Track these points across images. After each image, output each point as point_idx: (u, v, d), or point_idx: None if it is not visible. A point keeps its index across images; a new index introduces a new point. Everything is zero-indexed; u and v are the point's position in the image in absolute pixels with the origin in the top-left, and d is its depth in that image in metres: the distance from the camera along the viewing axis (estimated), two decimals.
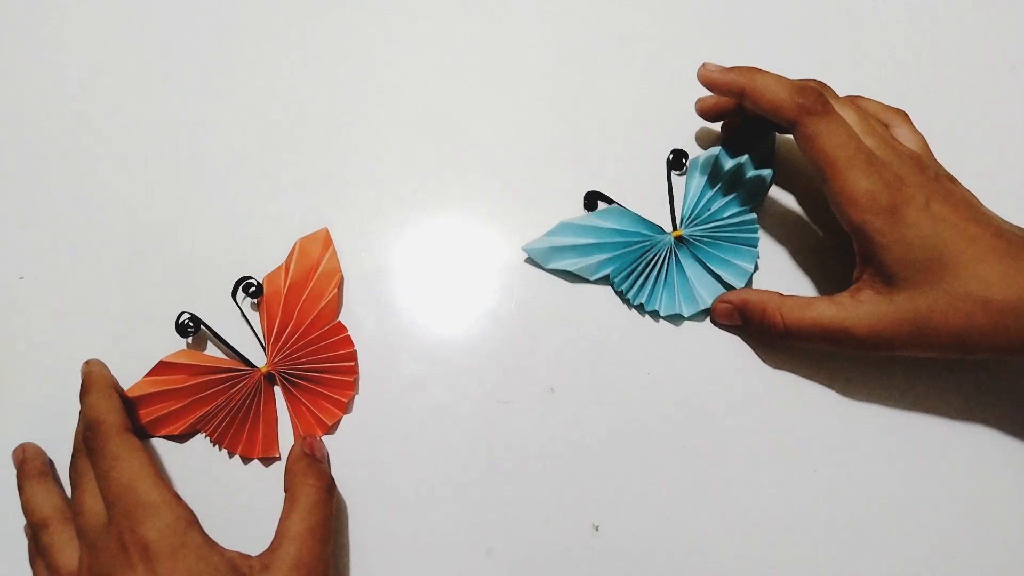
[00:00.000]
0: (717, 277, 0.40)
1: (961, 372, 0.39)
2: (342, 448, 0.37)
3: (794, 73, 0.38)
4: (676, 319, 0.40)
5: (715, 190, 0.41)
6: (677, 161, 0.42)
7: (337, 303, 0.39)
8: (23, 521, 0.35)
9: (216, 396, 0.37)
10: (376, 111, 0.44)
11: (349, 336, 0.38)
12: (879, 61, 0.46)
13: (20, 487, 0.36)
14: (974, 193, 0.36)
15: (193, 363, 0.37)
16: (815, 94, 0.35)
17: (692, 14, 0.47)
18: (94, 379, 0.36)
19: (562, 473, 0.37)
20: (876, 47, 0.46)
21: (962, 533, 0.37)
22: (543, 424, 0.38)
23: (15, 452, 0.37)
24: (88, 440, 0.33)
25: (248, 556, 0.32)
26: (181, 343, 0.38)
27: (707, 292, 0.40)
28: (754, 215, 0.40)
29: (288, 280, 0.39)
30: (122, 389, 0.37)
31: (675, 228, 0.40)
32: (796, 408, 0.38)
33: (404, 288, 0.40)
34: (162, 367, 0.37)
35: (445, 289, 0.40)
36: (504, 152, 0.43)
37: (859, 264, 0.36)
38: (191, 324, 0.38)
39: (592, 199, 0.41)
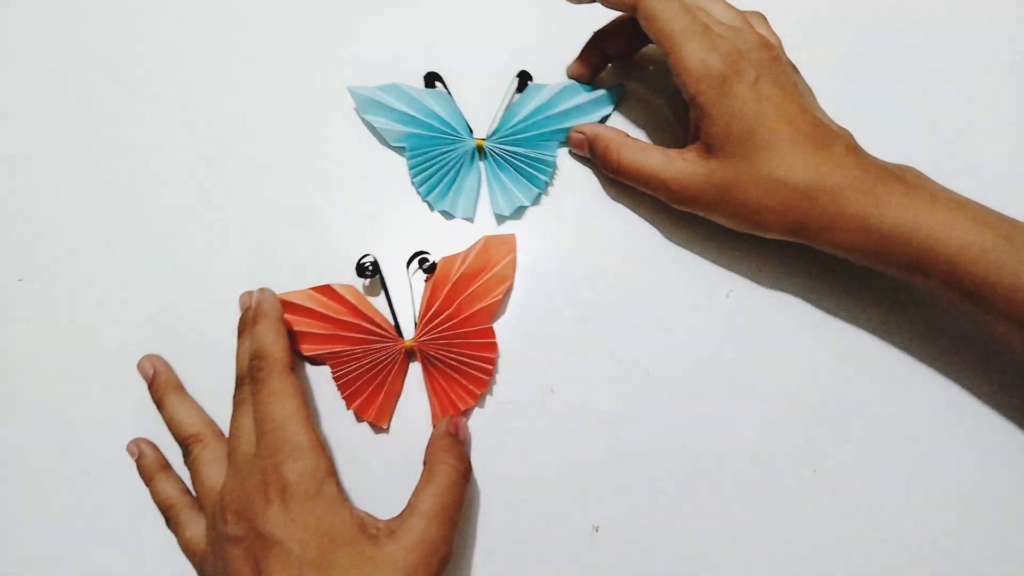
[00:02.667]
0: (495, 193, 0.41)
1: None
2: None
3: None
4: (447, 215, 0.42)
5: (541, 117, 0.42)
6: (522, 83, 0.43)
7: (498, 308, 0.39)
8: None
9: (357, 342, 0.38)
10: None
11: (496, 343, 0.38)
12: (878, 61, 0.45)
13: (161, 401, 0.38)
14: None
15: (355, 303, 0.39)
16: None
17: None
18: (266, 309, 0.37)
19: (562, 473, 0.37)
20: (875, 48, 0.45)
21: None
22: (543, 424, 0.38)
23: (142, 365, 0.39)
24: (254, 369, 0.35)
25: (377, 519, 0.33)
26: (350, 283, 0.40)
27: (470, 203, 0.41)
28: (554, 156, 0.42)
29: (462, 269, 0.39)
30: (289, 323, 0.38)
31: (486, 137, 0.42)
32: (797, 408, 0.38)
33: (403, 287, 0.40)
34: (328, 290, 0.39)
35: None
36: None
37: (691, 130, 0.37)
38: (370, 269, 0.39)
39: (431, 79, 0.43)
